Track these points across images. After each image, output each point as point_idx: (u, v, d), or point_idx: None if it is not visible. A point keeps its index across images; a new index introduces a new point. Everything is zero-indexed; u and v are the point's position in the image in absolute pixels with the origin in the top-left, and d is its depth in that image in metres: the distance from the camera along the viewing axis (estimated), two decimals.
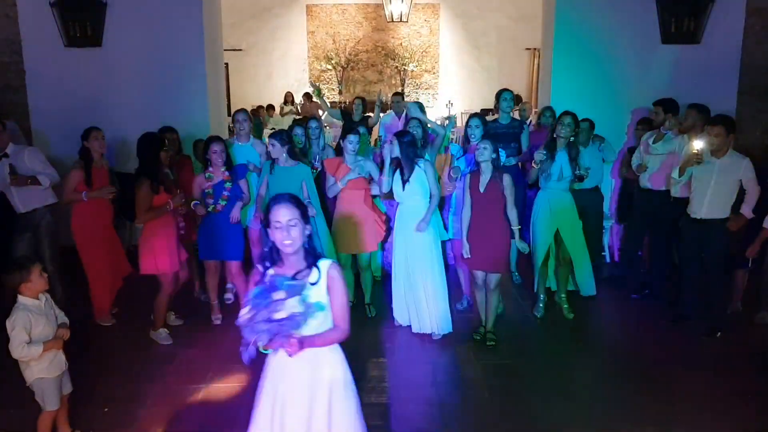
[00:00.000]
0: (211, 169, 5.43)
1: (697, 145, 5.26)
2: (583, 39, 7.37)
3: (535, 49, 13.38)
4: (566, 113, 5.65)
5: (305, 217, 2.70)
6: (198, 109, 7.36)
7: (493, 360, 5.06)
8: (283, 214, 2.64)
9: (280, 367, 2.75)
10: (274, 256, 2.73)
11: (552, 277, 6.06)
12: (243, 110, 6.21)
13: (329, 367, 2.77)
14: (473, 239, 5.23)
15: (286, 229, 2.63)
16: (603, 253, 7.34)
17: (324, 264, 2.72)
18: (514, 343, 5.39)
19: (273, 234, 2.67)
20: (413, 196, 5.38)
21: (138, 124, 6.92)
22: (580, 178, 5.59)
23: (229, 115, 10.61)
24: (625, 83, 7.44)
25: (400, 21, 12.31)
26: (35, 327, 3.67)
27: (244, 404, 4.39)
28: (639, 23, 7.32)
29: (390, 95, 10.13)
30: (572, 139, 5.58)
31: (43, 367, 3.71)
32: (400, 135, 5.39)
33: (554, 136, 5.64)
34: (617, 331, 5.70)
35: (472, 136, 5.65)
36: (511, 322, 5.74)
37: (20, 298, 3.72)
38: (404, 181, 5.36)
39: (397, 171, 5.38)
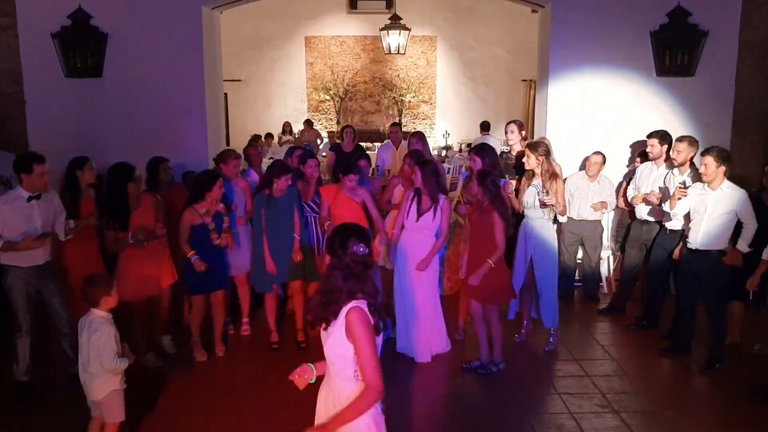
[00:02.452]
0: (205, 203, 5.29)
1: (679, 178, 5.35)
2: (578, 71, 7.45)
3: (531, 80, 13.52)
4: (530, 146, 5.70)
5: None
6: (197, 139, 7.39)
7: (489, 391, 5.04)
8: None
9: None
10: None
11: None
12: (237, 155, 6.23)
13: None
14: (471, 270, 5.23)
15: None
16: (600, 284, 7.34)
17: (345, 308, 2.64)
18: (508, 372, 5.36)
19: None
20: (423, 229, 5.43)
21: (137, 154, 6.94)
22: (543, 204, 5.47)
23: (228, 144, 10.66)
24: (620, 115, 7.50)
25: (398, 53, 12.44)
26: (117, 341, 3.88)
27: None
28: (633, 56, 7.41)
29: (387, 126, 10.17)
30: (541, 167, 5.54)
31: (117, 380, 3.92)
32: (422, 164, 5.45)
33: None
34: (613, 361, 5.67)
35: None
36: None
37: (98, 312, 3.88)
38: (420, 213, 5.39)
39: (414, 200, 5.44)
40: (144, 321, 5.37)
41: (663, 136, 6.18)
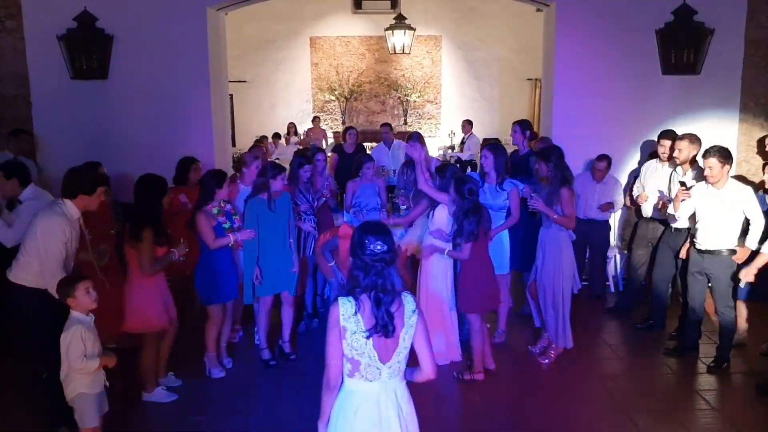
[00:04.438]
0: (214, 204, 5.11)
1: (679, 178, 5.31)
2: (583, 69, 7.41)
3: (536, 79, 13.51)
4: (540, 155, 5.56)
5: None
6: (203, 140, 7.39)
7: (493, 392, 5.05)
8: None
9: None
10: None
11: None
12: (257, 156, 6.18)
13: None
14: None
15: None
16: (607, 283, 7.32)
17: None
18: (514, 373, 5.36)
19: None
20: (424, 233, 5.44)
21: (143, 155, 7.00)
22: (533, 209, 5.31)
23: (233, 145, 10.69)
24: (626, 114, 7.47)
25: (403, 53, 12.44)
26: (87, 341, 3.76)
27: None
28: (639, 54, 7.38)
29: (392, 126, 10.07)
30: (550, 174, 5.36)
31: (86, 383, 3.80)
32: (439, 170, 5.45)
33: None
34: (620, 361, 5.66)
35: (485, 166, 5.65)
36: (510, 354, 5.75)
37: (73, 312, 3.81)
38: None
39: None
40: (153, 351, 4.83)
41: (675, 137, 6.13)
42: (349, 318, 2.68)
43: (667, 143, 6.13)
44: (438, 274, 5.37)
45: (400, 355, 2.75)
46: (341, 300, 2.72)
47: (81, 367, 3.72)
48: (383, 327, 2.66)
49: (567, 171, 5.35)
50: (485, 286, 5.10)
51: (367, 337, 2.66)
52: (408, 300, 2.77)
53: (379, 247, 2.69)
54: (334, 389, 2.76)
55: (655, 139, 6.46)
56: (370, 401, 2.72)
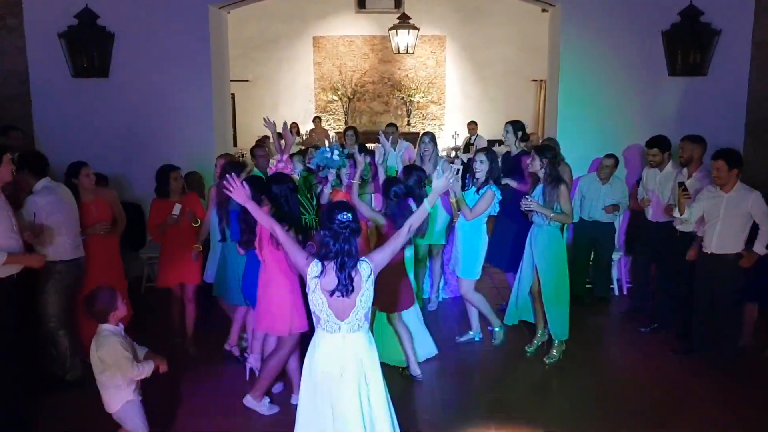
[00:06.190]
0: None
1: (679, 179, 5.29)
2: (589, 70, 7.38)
3: (541, 80, 13.46)
4: (537, 149, 5.54)
5: None
6: (204, 139, 7.37)
7: (495, 394, 5.01)
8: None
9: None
10: None
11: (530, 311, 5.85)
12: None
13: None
14: None
15: None
16: (612, 286, 7.25)
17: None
18: (518, 376, 5.30)
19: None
20: None
21: (144, 154, 6.97)
22: (524, 213, 5.37)
23: (235, 145, 10.65)
24: (632, 115, 7.43)
25: (407, 53, 12.40)
26: (126, 349, 3.73)
27: None
28: (645, 55, 7.34)
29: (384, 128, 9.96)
30: (544, 171, 5.36)
31: (131, 390, 3.76)
32: (405, 170, 5.44)
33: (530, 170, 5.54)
34: (624, 364, 5.60)
35: (477, 170, 5.59)
36: (507, 355, 5.71)
37: (102, 326, 3.75)
38: None
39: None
40: (287, 355, 4.63)
41: (663, 144, 6.09)
42: (313, 278, 3.24)
43: (656, 151, 6.09)
44: None
45: (358, 314, 3.28)
46: (314, 261, 3.26)
47: (136, 374, 3.69)
48: (344, 287, 3.17)
49: (558, 172, 5.45)
50: (405, 286, 5.15)
51: (330, 296, 3.19)
52: (364, 267, 3.26)
53: (345, 216, 3.20)
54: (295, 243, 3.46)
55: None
56: (331, 348, 3.29)
